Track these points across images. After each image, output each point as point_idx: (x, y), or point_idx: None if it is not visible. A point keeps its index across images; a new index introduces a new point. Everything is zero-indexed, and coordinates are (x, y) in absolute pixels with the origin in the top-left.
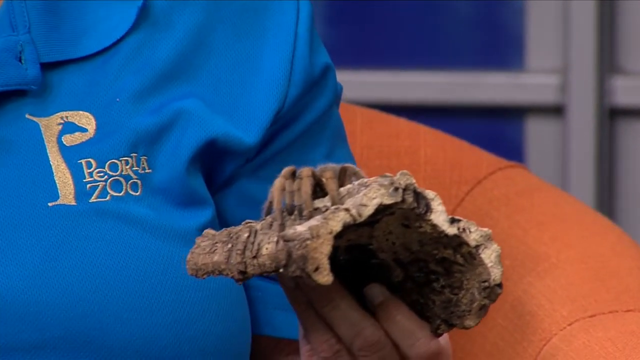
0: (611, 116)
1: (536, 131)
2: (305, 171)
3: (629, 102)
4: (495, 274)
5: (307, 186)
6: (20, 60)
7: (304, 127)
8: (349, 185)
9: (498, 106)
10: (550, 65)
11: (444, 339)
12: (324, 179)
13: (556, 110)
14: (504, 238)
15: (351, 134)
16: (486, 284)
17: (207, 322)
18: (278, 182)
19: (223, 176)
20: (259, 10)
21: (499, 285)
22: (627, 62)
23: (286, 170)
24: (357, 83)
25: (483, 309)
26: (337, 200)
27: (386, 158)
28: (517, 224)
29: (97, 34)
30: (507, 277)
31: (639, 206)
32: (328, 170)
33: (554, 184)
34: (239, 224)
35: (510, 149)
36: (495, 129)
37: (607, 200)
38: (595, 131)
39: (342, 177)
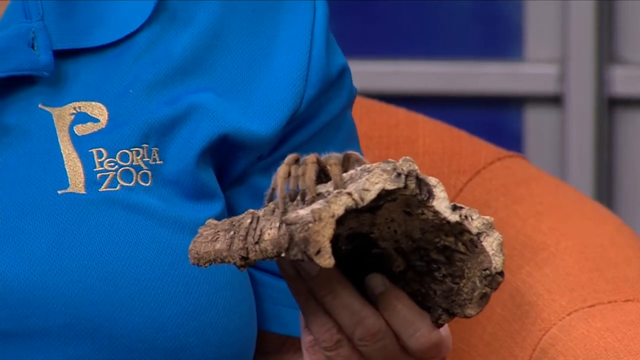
0: (610, 106)
1: (535, 121)
2: (310, 157)
3: (628, 92)
4: (497, 262)
5: (311, 172)
6: (33, 47)
7: (319, 127)
8: (351, 171)
9: (497, 96)
10: (549, 55)
11: (445, 330)
12: (328, 166)
13: (555, 100)
14: (503, 228)
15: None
16: (487, 272)
17: (213, 315)
18: (282, 169)
19: (235, 172)
20: (275, 8)
21: (501, 273)
22: (626, 51)
23: (290, 157)
24: (355, 73)
25: (484, 297)
26: (341, 185)
27: (385, 148)
28: (516, 213)
29: (112, 24)
30: (506, 267)
31: (638, 196)
32: (332, 157)
33: (552, 174)
34: None
35: (509, 139)
36: (494, 119)
37: (606, 190)
38: (594, 121)
39: (346, 164)
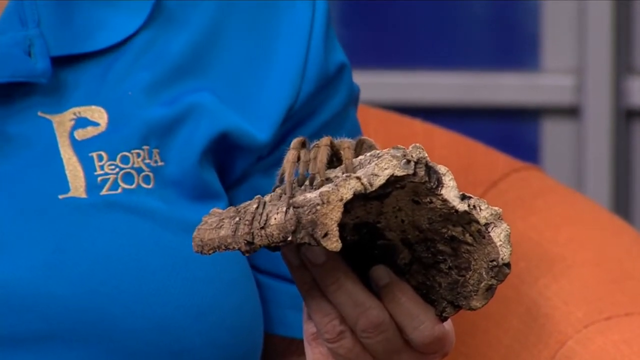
0: (627, 117)
1: (551, 132)
2: (324, 140)
3: None
4: (504, 253)
5: (323, 155)
6: (29, 55)
7: (318, 126)
8: (361, 157)
9: (513, 107)
10: (565, 65)
11: (448, 324)
12: (341, 150)
13: (572, 112)
14: (519, 240)
15: (365, 135)
16: (494, 263)
17: (218, 316)
18: (291, 153)
19: (236, 173)
20: (274, 6)
21: (508, 265)
22: None
23: (296, 140)
24: (371, 84)
25: (490, 289)
26: (351, 169)
27: None
28: (533, 225)
29: (109, 29)
30: (522, 279)
31: None
32: (346, 141)
33: (569, 185)
34: None
35: (525, 150)
36: (511, 130)
37: (622, 202)
38: (611, 132)
39: (359, 150)
